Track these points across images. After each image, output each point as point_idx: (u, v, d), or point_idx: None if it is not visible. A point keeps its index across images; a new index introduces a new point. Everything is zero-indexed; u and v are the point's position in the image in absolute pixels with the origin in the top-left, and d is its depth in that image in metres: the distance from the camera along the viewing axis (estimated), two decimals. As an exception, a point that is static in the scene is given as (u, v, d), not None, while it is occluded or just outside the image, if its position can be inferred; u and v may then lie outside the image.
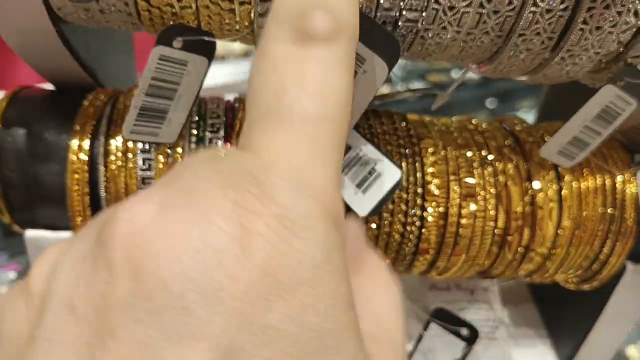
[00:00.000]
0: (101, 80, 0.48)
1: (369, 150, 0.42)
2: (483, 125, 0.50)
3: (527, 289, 0.64)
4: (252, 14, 0.35)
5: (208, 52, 0.39)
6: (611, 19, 0.35)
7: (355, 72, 0.34)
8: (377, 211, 0.40)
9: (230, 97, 0.49)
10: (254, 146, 0.21)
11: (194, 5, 0.34)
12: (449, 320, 0.54)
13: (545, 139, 0.49)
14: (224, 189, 0.18)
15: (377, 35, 0.32)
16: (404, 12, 0.34)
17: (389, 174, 0.40)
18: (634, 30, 0.37)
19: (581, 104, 0.42)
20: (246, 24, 0.37)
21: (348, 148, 0.42)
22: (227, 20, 0.36)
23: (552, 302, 0.61)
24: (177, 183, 0.19)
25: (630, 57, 0.39)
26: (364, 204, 0.40)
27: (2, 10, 0.37)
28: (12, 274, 0.94)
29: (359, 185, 0.40)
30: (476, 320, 0.56)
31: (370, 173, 0.41)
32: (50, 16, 0.37)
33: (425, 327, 0.54)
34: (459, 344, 0.53)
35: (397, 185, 0.40)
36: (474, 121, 0.51)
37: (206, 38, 0.37)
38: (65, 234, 0.44)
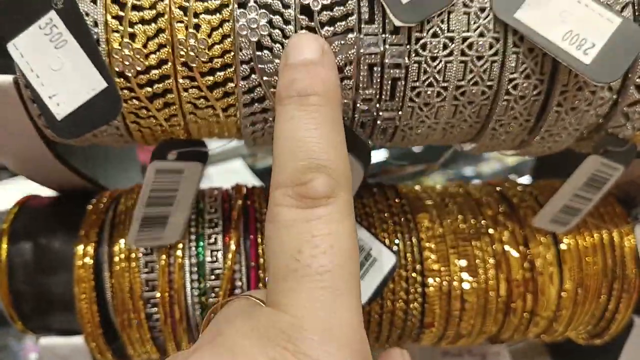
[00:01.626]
0: (104, 181, 0.50)
1: (363, 234, 0.43)
2: (476, 193, 0.51)
3: (542, 346, 0.63)
4: (238, 123, 0.37)
5: (201, 157, 0.41)
6: (585, 98, 0.36)
7: None
8: (375, 298, 0.41)
9: (227, 186, 0.50)
10: (282, 303, 0.24)
11: (182, 122, 0.36)
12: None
13: (539, 200, 0.50)
14: (263, 347, 0.22)
15: (352, 140, 0.34)
16: (380, 113, 0.35)
17: (385, 258, 0.41)
18: (610, 103, 0.38)
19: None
20: (234, 131, 0.38)
21: None
22: (216, 130, 0.38)
23: (568, 357, 0.60)
24: (221, 341, 0.23)
25: (610, 127, 0.40)
26: (363, 291, 0.40)
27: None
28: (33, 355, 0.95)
29: None
30: (491, 382, 0.56)
31: (366, 259, 0.42)
32: (44, 140, 0.38)
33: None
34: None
35: (393, 270, 0.41)
36: (467, 188, 0.52)
37: (198, 148, 0.38)
38: (77, 339, 0.45)
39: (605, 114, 0.39)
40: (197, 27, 0.33)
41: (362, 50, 0.33)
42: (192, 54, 0.33)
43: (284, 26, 0.32)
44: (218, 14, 0.33)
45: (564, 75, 0.35)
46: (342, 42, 0.32)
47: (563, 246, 0.47)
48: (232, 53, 0.33)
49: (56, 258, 0.44)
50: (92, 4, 0.33)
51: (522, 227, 0.47)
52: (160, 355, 0.47)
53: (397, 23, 0.32)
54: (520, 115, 0.36)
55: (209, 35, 0.33)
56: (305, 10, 0.32)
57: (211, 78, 0.34)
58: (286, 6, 0.32)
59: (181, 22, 0.33)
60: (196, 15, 0.33)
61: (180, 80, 0.34)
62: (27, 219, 0.46)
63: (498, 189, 0.51)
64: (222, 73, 0.34)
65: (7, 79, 0.34)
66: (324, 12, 0.32)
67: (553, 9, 0.34)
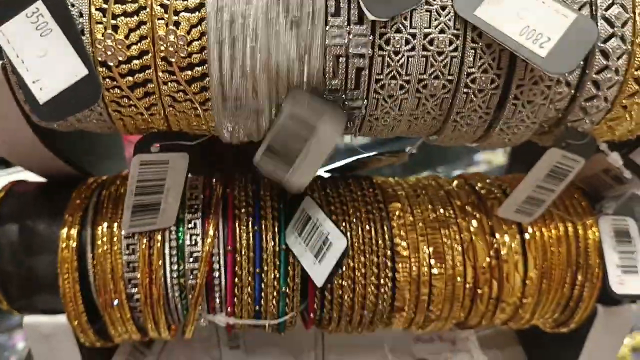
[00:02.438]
0: (89, 167, 0.52)
1: (323, 219, 0.45)
2: (447, 185, 0.53)
3: (512, 333, 0.65)
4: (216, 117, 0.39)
5: (186, 148, 0.43)
6: (541, 92, 0.38)
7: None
8: (330, 280, 0.43)
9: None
10: None
11: (162, 112, 0.38)
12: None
13: (507, 192, 0.52)
14: None
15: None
16: (346, 102, 0.37)
17: (338, 243, 0.43)
18: (568, 98, 0.40)
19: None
20: (212, 125, 0.40)
21: (308, 217, 0.45)
22: (194, 123, 0.40)
23: (537, 345, 0.62)
24: None
25: (569, 121, 0.42)
26: (320, 273, 0.43)
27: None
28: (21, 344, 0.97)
29: (316, 255, 0.43)
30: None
31: (324, 243, 0.44)
32: (31, 126, 0.41)
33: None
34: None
35: (345, 253, 0.43)
36: (439, 180, 0.54)
37: (180, 142, 0.41)
38: (60, 318, 0.47)
39: (564, 108, 0.41)
40: (176, 24, 0.35)
41: (327, 42, 0.35)
42: (171, 49, 0.35)
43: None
44: (197, 12, 0.35)
45: (520, 70, 0.37)
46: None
47: (527, 236, 0.49)
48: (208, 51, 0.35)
49: (41, 240, 0.46)
50: (77, -6, 0.35)
51: (489, 217, 0.49)
52: (140, 335, 0.49)
53: (371, 17, 0.35)
54: (479, 108, 0.39)
55: (188, 32, 0.35)
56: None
57: (189, 73, 0.36)
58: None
59: (162, 18, 0.35)
60: (176, 12, 0.35)
61: (160, 74, 0.36)
62: (13, 203, 0.48)
63: (468, 182, 0.54)
64: (199, 68, 0.36)
65: (-6, 65, 0.36)
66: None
67: (511, 6, 0.36)
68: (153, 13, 0.35)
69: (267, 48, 0.35)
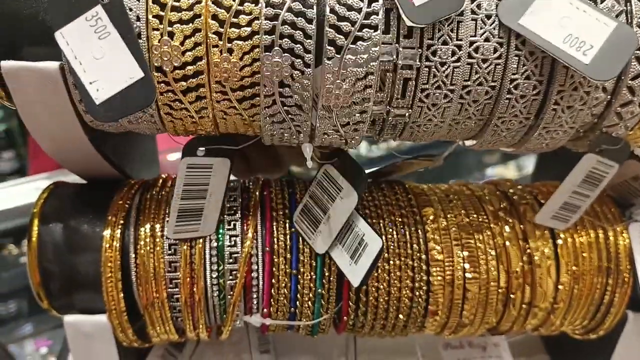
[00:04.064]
0: (129, 171, 0.53)
1: (358, 221, 0.46)
2: (479, 190, 0.54)
3: (539, 341, 0.66)
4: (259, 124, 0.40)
5: (229, 153, 0.44)
6: (580, 98, 0.39)
7: (335, 198, 0.45)
8: (367, 280, 0.44)
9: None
10: None
11: (211, 115, 0.39)
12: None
13: (539, 199, 0.53)
14: None
15: (352, 169, 0.40)
16: (391, 110, 0.39)
17: (374, 244, 0.44)
18: (604, 103, 0.41)
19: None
20: (257, 129, 0.41)
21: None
22: (241, 129, 0.41)
23: (564, 353, 0.63)
24: None
25: (604, 126, 0.43)
26: (357, 274, 0.44)
27: (38, 121, 0.42)
28: (44, 350, 0.97)
29: (352, 256, 0.44)
30: (491, 374, 0.58)
31: (359, 244, 0.45)
32: (83, 125, 0.42)
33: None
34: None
35: (380, 254, 0.44)
36: (470, 186, 0.55)
37: (224, 146, 0.42)
38: (100, 317, 0.47)
39: (600, 113, 0.42)
40: (230, 50, 0.36)
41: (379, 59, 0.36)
42: (225, 75, 0.37)
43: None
44: (249, 40, 0.36)
45: (561, 76, 0.38)
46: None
47: (559, 241, 0.50)
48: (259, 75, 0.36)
49: (85, 239, 0.47)
50: (136, 0, 0.36)
51: (522, 222, 0.50)
52: (178, 337, 0.50)
53: (409, 23, 0.36)
54: (520, 113, 0.40)
55: (241, 59, 0.36)
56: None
57: (241, 93, 0.38)
58: (307, 51, 0.35)
59: (216, 46, 0.36)
60: (230, 40, 0.36)
61: (213, 85, 0.37)
62: (57, 203, 0.49)
63: (499, 188, 0.54)
64: (251, 90, 0.37)
65: (54, 65, 0.37)
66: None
67: (554, 15, 0.37)
68: (208, 26, 0.36)
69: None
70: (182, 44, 0.36)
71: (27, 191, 0.88)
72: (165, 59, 0.37)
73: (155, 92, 0.37)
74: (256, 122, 0.40)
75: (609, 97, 0.41)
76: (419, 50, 0.37)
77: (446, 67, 0.37)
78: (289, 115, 0.38)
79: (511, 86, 0.38)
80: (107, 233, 0.46)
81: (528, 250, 0.49)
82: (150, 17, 0.36)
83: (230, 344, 0.60)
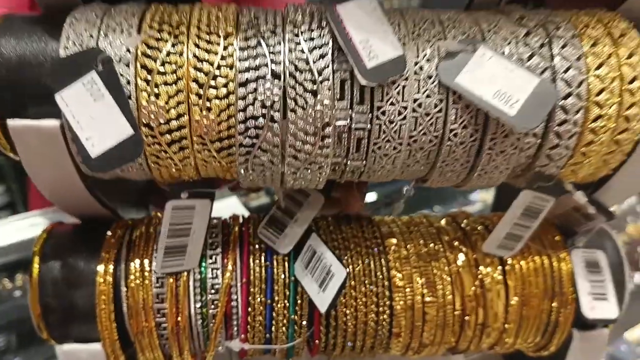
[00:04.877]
0: (120, 212, 0.58)
1: (327, 253, 0.51)
2: (437, 222, 0.59)
3: (500, 358, 0.71)
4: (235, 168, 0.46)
5: (209, 195, 0.50)
6: (511, 143, 0.46)
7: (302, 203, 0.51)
8: (333, 306, 0.50)
9: (225, 216, 0.59)
10: None
11: (193, 163, 0.45)
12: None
13: (490, 229, 0.58)
14: None
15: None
16: (349, 162, 0.45)
17: (339, 274, 0.50)
18: (536, 146, 0.47)
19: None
20: (234, 174, 0.47)
21: (313, 252, 0.52)
22: (220, 174, 0.47)
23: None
24: None
25: (537, 166, 0.49)
26: (324, 301, 0.50)
27: (39, 171, 0.47)
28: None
29: (320, 285, 0.50)
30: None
31: (327, 274, 0.50)
32: (80, 174, 0.47)
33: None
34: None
35: (344, 283, 0.50)
36: (429, 218, 0.61)
37: (206, 189, 0.48)
38: (95, 346, 0.52)
39: (532, 155, 0.48)
40: (208, 109, 0.42)
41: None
42: (204, 129, 0.43)
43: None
44: (226, 99, 0.42)
45: (493, 126, 0.44)
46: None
47: (508, 267, 0.55)
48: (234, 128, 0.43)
49: (81, 275, 0.52)
50: (126, 67, 0.42)
51: (474, 251, 0.56)
52: (165, 362, 0.55)
53: (363, 83, 0.42)
54: (460, 157, 0.46)
55: (218, 115, 0.42)
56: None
57: (219, 144, 0.44)
58: (276, 110, 0.42)
59: (196, 104, 0.42)
60: (208, 99, 0.42)
61: (194, 138, 0.43)
62: (55, 242, 0.54)
63: (455, 219, 0.60)
64: (227, 141, 0.44)
65: (54, 123, 0.43)
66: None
67: (485, 74, 0.44)
68: (189, 89, 0.42)
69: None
70: (166, 103, 0.42)
71: (21, 227, 0.92)
72: (152, 116, 0.43)
73: (142, 146, 0.43)
74: (233, 168, 0.46)
75: (539, 140, 0.47)
76: (370, 115, 0.43)
77: (394, 124, 0.43)
78: (261, 165, 0.44)
79: (451, 135, 0.44)
80: (100, 268, 0.51)
81: (480, 276, 0.55)
82: (139, 81, 0.42)
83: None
